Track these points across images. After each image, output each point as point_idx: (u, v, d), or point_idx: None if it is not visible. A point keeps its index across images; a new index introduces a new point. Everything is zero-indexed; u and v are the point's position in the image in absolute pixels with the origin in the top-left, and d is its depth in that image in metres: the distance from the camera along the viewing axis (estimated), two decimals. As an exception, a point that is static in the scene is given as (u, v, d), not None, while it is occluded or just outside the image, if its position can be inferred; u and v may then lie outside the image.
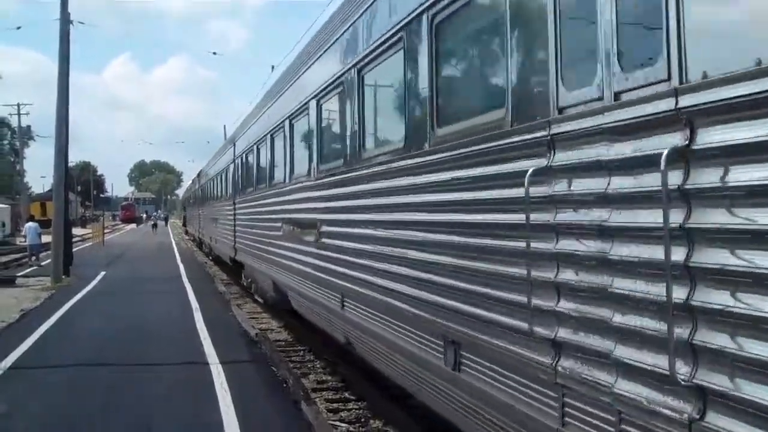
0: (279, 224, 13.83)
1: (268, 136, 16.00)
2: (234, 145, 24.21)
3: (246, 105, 29.42)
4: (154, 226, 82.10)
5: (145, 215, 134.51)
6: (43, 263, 31.10)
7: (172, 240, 58.74)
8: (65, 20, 25.55)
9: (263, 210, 16.35)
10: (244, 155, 21.17)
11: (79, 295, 20.58)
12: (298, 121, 12.73)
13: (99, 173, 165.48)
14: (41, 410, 9.00)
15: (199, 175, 48.64)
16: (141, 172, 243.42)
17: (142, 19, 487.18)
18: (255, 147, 18.37)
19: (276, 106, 15.04)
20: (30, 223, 34.39)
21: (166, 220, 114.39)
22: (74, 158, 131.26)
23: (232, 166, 24.63)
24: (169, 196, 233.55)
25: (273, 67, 28.61)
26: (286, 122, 13.62)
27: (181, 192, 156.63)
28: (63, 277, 25.07)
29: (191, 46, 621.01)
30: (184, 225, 78.24)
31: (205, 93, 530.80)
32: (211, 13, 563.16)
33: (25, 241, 34.79)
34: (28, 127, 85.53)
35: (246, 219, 19.77)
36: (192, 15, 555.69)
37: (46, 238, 33.01)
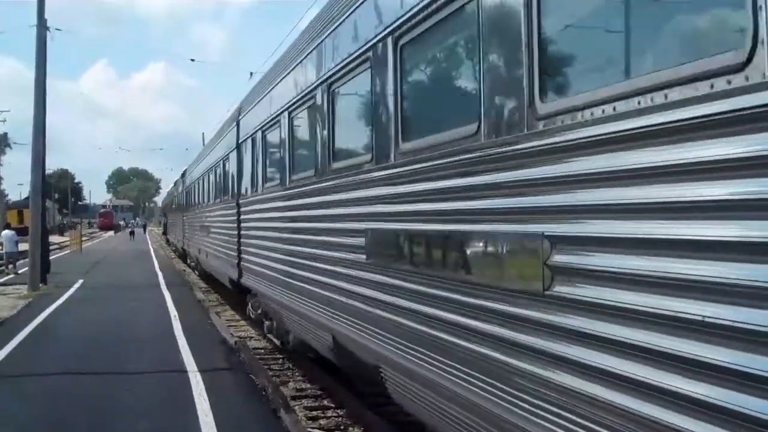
0: (361, 240, 7.51)
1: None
2: (238, 124, 17.15)
3: (225, 113, 24.34)
4: (132, 233, 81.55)
5: (123, 222, 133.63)
6: (20, 271, 30.82)
7: (151, 247, 58.38)
8: (42, 26, 25.38)
9: (318, 215, 9.17)
10: (259, 133, 13.97)
11: (56, 303, 20.40)
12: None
13: (77, 180, 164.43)
14: (17, 419, 8.96)
15: (183, 175, 41.84)
16: (119, 180, 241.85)
17: (120, 24, 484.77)
18: (286, 114, 11.28)
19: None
20: (6, 231, 34.04)
21: (144, 227, 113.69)
22: (52, 165, 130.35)
23: (234, 154, 17.42)
24: (147, 204, 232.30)
25: (252, 74, 28.65)
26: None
27: (160, 199, 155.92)
28: (40, 285, 24.85)
29: (170, 53, 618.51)
30: (165, 233, 73.63)
31: (183, 100, 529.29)
32: (190, 18, 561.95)
33: (1, 249, 34.44)
34: (5, 134, 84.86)
35: (263, 228, 13.06)
36: (172, 21, 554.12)
37: (23, 246, 32.75)
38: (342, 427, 9.79)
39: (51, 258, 30.11)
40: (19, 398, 9.97)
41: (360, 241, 7.52)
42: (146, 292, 23.65)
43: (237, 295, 18.63)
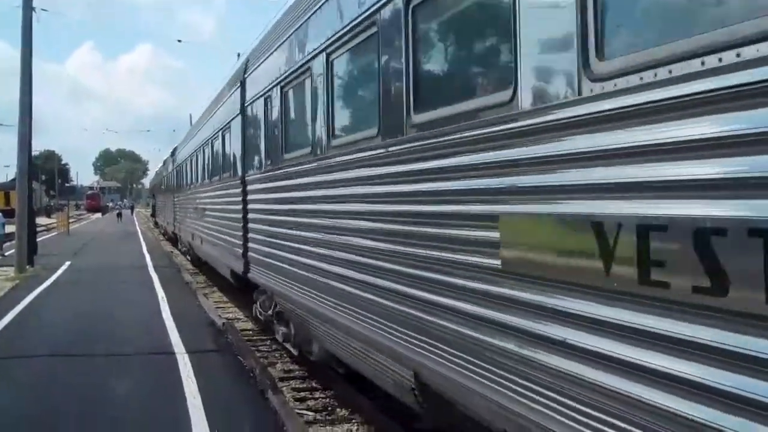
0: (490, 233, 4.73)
1: None
2: (243, 84, 13.76)
3: (206, 102, 21.99)
4: (119, 215, 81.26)
5: (110, 204, 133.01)
6: (6, 253, 30.71)
7: (138, 229, 58.18)
8: (28, 7, 25.18)
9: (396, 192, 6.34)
10: (275, 90, 10.88)
11: (43, 285, 20.38)
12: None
13: (64, 162, 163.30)
14: (1, 402, 8.98)
15: (173, 153, 38.10)
16: (106, 161, 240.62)
17: (107, 6, 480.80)
18: (323, 57, 8.27)
19: None
20: (-7, 214, 33.93)
21: (132, 209, 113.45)
22: (38, 147, 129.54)
23: (238, 122, 14.22)
24: (135, 185, 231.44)
25: (239, 55, 28.53)
26: None
27: (148, 180, 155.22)
28: (27, 267, 24.80)
29: (157, 34, 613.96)
30: (153, 215, 69.83)
31: (171, 82, 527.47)
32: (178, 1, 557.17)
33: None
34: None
35: (283, 212, 10.24)
36: (159, 2, 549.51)
37: (10, 228, 32.59)
38: (329, 408, 9.84)
39: (38, 240, 29.96)
40: (5, 381, 9.97)
41: (486, 235, 4.68)
42: (134, 274, 23.62)
43: (238, 289, 16.58)
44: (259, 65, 12.28)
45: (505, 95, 4.51)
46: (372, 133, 6.77)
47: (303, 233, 9.16)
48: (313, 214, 8.73)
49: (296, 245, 9.50)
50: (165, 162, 48.13)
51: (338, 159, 7.78)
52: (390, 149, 6.32)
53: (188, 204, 26.53)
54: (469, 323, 4.91)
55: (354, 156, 7.28)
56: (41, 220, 56.01)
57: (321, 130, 8.41)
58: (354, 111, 8.26)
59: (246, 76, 13.52)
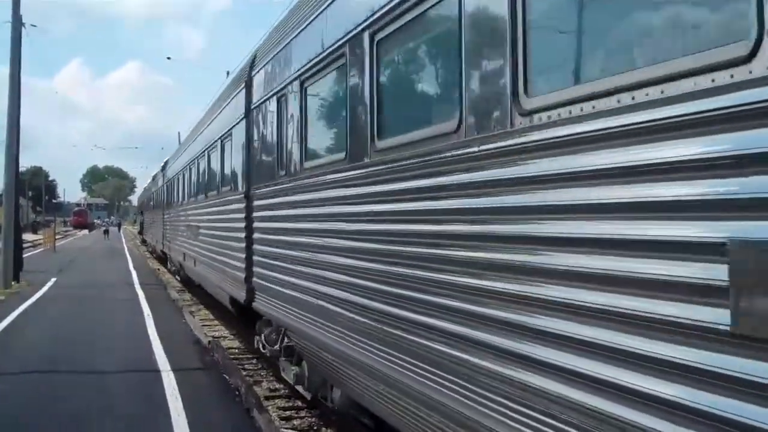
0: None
1: None
2: (248, 84, 12.11)
3: (200, 112, 20.91)
4: (106, 232, 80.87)
5: (97, 221, 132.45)
6: (-9, 269, 30.52)
7: (125, 246, 57.95)
8: (17, 23, 25.22)
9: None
10: (293, 85, 9.13)
11: (29, 302, 20.24)
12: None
13: (51, 178, 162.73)
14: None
15: (164, 167, 35.77)
16: (94, 178, 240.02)
17: (96, 23, 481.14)
18: (365, 37, 6.53)
19: None
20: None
21: (119, 226, 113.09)
22: (25, 163, 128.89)
23: (242, 128, 12.53)
24: (122, 202, 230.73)
25: (228, 73, 28.60)
26: None
27: (135, 198, 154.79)
28: (13, 283, 24.67)
29: (146, 51, 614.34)
30: (141, 233, 65.85)
31: (159, 99, 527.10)
32: (167, 17, 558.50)
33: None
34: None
35: (303, 231, 8.55)
36: (148, 19, 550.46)
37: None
38: (315, 428, 9.81)
39: (24, 256, 29.80)
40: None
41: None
42: (120, 290, 23.51)
43: (234, 316, 14.94)
44: (270, 60, 10.50)
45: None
46: (445, 128, 5.10)
47: (328, 257, 7.58)
48: (342, 235, 7.19)
49: (318, 272, 7.88)
50: (154, 177, 45.27)
51: (386, 167, 6.07)
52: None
53: (179, 221, 24.73)
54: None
55: (413, 162, 5.56)
56: (27, 236, 55.64)
57: (362, 130, 6.65)
58: (410, 102, 6.43)
59: (254, 74, 11.82)
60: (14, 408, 9.39)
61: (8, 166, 25.45)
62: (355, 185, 6.79)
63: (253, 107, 11.81)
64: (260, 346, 11.60)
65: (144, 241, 58.33)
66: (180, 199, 25.46)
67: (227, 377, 11.19)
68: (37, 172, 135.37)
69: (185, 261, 22.58)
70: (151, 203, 45.62)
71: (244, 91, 12.37)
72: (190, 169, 21.92)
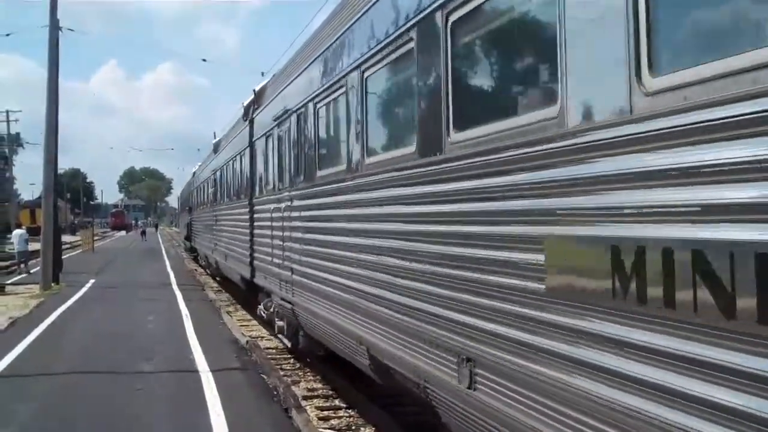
0: None
1: None
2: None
3: (237, 111, 20.16)
4: (143, 233, 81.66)
5: (134, 222, 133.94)
6: (32, 271, 30.95)
7: (162, 247, 58.49)
8: (54, 26, 25.49)
9: None
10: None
11: (68, 303, 20.47)
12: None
13: (88, 180, 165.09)
14: (25, 420, 8.99)
15: (215, 149, 28.49)
16: (130, 179, 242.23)
17: (131, 24, 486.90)
18: None
19: None
20: (17, 230, 34.18)
21: (156, 227, 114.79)
22: (64, 165, 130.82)
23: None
24: (159, 203, 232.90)
25: (263, 74, 28.62)
26: None
27: (171, 199, 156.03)
28: (53, 284, 24.96)
29: (181, 52, 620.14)
30: (188, 239, 45.28)
31: (194, 99, 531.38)
32: (201, 18, 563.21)
33: (13, 249, 34.60)
34: (17, 134, 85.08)
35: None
36: (182, 19, 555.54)
37: (35, 245, 32.90)
38: (353, 427, 9.76)
39: (63, 257, 30.18)
40: (29, 398, 9.96)
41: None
42: (158, 291, 23.70)
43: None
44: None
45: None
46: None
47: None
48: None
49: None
50: (201, 164, 38.34)
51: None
52: None
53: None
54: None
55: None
56: (66, 238, 56.41)
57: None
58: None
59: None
60: (61, 408, 9.49)
61: (47, 168, 25.77)
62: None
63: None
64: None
65: (193, 250, 43.66)
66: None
67: (265, 377, 11.19)
68: (76, 174, 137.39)
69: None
70: (201, 198, 35.08)
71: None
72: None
